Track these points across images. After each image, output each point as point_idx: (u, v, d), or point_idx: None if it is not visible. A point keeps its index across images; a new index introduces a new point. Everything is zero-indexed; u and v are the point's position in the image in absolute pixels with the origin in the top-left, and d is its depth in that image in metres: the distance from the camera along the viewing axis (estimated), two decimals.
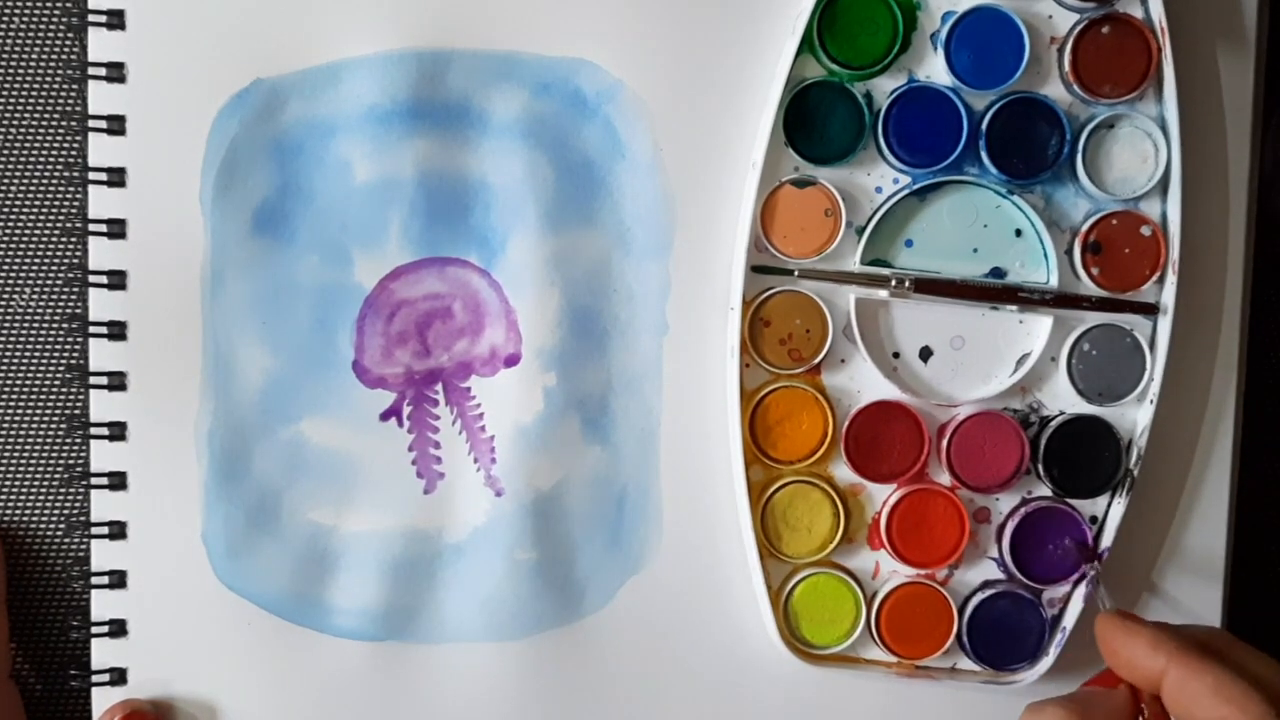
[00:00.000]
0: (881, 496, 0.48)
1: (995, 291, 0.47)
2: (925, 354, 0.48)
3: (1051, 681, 0.48)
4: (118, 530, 0.48)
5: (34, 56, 0.49)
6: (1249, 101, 0.48)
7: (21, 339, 0.50)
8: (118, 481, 0.48)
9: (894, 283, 0.47)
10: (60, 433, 0.50)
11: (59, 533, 0.50)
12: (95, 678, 0.48)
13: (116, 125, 0.47)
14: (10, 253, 0.49)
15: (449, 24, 0.47)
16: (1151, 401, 0.47)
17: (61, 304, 0.49)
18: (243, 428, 0.48)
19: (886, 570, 0.48)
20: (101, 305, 0.47)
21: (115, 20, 0.47)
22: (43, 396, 0.50)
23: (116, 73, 0.47)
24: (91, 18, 0.47)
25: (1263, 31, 0.48)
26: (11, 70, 0.49)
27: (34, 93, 0.49)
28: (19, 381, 0.50)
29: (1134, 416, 0.47)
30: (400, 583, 0.48)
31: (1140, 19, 0.46)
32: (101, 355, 0.47)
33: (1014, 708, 0.49)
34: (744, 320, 0.47)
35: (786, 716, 0.49)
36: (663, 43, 0.47)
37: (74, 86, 0.49)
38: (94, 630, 0.48)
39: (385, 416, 0.48)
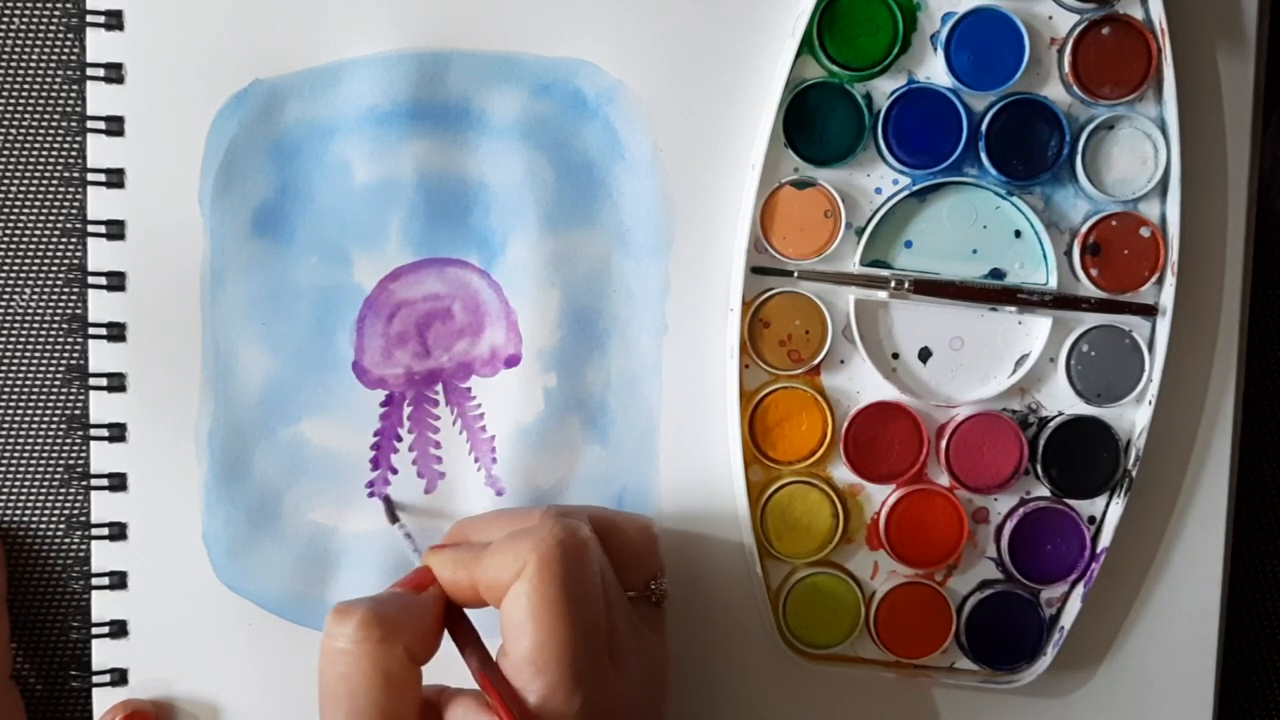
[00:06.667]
0: (880, 497, 0.48)
1: (994, 292, 0.47)
2: (924, 355, 0.48)
3: (1050, 681, 0.48)
4: (118, 531, 0.48)
5: (33, 57, 0.49)
6: (1249, 102, 0.47)
7: (21, 339, 0.49)
8: (118, 482, 0.48)
9: (893, 284, 0.47)
10: (60, 433, 0.50)
11: (59, 533, 0.50)
12: (96, 678, 0.48)
13: (115, 126, 0.47)
14: (10, 253, 0.49)
15: (448, 25, 0.47)
16: (1150, 402, 0.47)
17: (61, 304, 0.49)
18: (243, 428, 0.48)
19: (885, 570, 0.48)
20: (101, 306, 0.47)
21: (114, 21, 0.47)
22: (43, 396, 0.50)
23: (115, 73, 0.47)
24: (90, 18, 0.47)
25: (1263, 31, 0.48)
26: (11, 70, 0.49)
27: (33, 93, 0.49)
28: (19, 381, 0.50)
29: (1132, 417, 0.47)
30: None
31: (1140, 20, 0.46)
32: (101, 356, 0.47)
33: (1013, 708, 0.49)
34: (744, 321, 0.47)
35: (785, 716, 0.49)
36: (662, 43, 0.47)
37: (73, 87, 0.49)
38: (94, 631, 0.48)
39: (385, 417, 0.48)
